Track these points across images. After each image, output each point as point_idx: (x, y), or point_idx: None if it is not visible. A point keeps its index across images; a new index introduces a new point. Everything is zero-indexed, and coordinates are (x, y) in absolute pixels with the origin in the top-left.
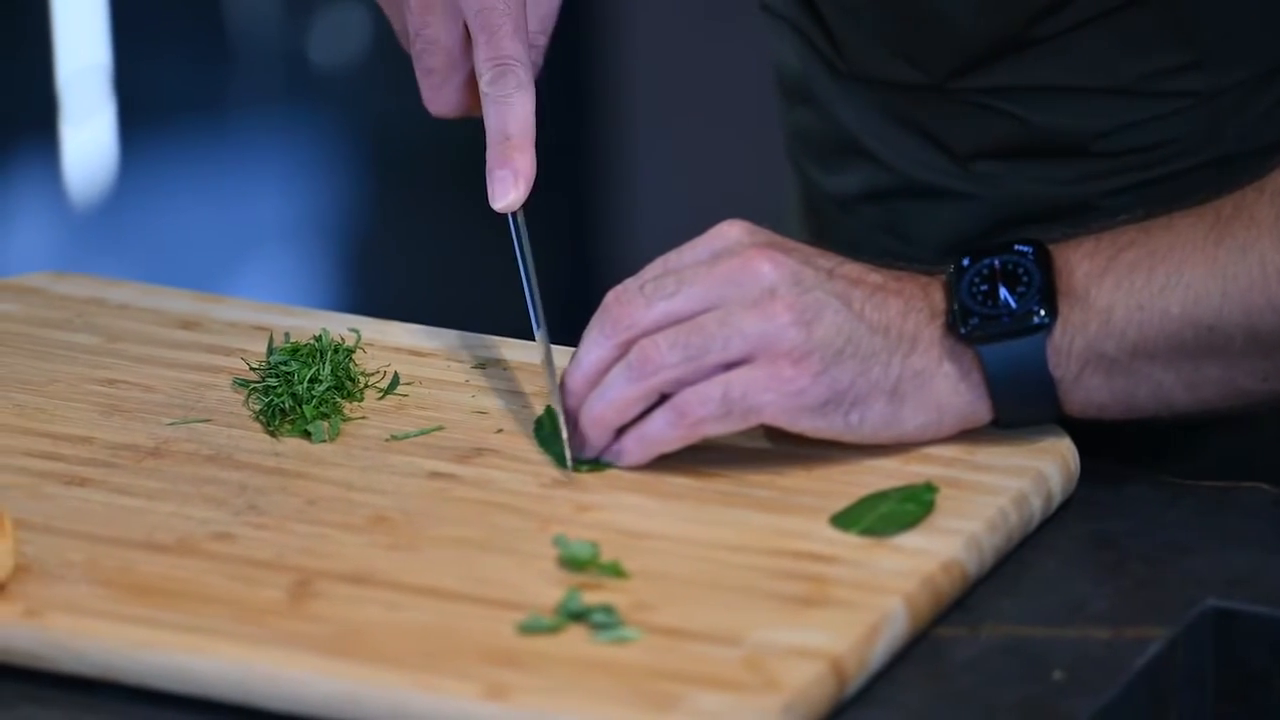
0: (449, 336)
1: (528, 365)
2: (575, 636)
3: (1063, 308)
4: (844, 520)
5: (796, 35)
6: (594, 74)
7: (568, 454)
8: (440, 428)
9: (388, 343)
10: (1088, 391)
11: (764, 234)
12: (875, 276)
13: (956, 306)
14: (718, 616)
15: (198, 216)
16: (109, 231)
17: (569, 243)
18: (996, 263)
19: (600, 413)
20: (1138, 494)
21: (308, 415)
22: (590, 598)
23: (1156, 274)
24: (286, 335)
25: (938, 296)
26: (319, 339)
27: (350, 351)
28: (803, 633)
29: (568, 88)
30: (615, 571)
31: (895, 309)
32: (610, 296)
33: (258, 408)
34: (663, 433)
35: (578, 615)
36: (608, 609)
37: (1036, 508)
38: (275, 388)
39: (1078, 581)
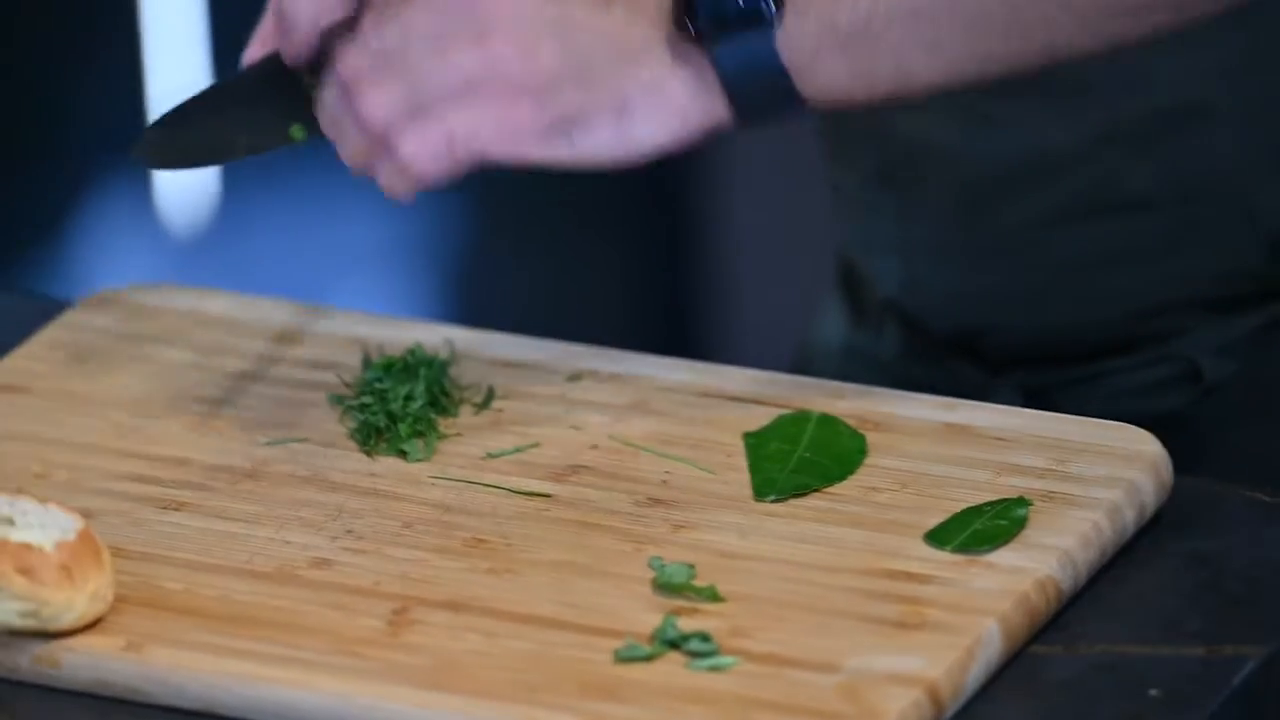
0: (544, 347)
1: (622, 377)
2: (672, 664)
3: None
4: (938, 537)
5: None
6: None
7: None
8: (536, 444)
9: (483, 354)
10: (827, 75)
11: None
12: None
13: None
14: (814, 642)
15: (296, 235)
16: (206, 252)
17: (664, 254)
18: None
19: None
20: (1233, 511)
21: (403, 434)
22: (686, 623)
23: None
24: (380, 349)
25: None
26: (413, 353)
27: (445, 365)
28: (899, 658)
29: None
30: (712, 596)
31: (619, 19)
32: None
33: (353, 426)
34: (393, 185)
35: (674, 643)
36: (704, 636)
37: (1130, 519)
38: (370, 405)
39: (1173, 599)
